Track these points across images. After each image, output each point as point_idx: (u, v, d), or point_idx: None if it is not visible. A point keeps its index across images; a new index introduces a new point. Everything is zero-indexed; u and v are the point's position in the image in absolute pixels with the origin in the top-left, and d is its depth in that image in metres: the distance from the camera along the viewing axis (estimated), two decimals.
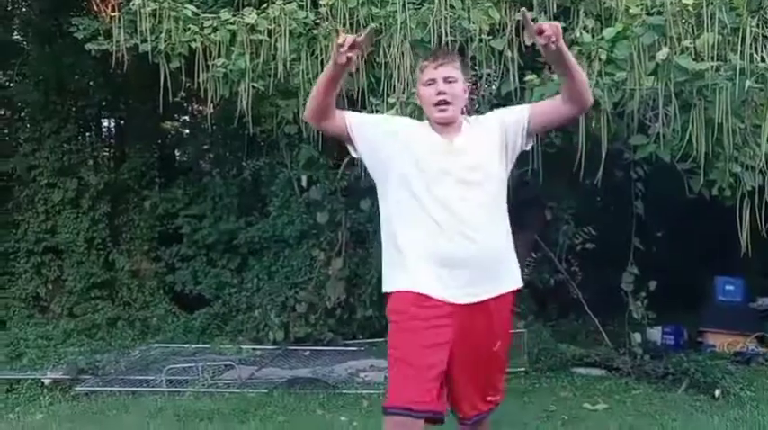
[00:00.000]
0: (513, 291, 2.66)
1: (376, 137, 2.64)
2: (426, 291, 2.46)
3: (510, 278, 2.65)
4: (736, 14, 3.99)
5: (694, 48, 4.04)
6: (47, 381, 6.28)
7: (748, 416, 4.37)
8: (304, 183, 7.08)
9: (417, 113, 4.70)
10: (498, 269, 2.58)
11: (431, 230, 2.48)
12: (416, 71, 2.81)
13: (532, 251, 6.56)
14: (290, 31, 4.91)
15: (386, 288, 2.59)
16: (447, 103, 2.59)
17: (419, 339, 2.42)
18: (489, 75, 4.92)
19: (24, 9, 9.20)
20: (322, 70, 4.96)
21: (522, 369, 5.62)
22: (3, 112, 9.74)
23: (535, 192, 6.24)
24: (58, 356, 7.00)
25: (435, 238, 2.47)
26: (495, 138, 2.64)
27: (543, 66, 4.52)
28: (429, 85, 2.63)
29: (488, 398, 2.70)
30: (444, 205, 2.49)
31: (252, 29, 4.97)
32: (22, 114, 9.40)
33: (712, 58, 3.97)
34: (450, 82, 2.61)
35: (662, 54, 3.98)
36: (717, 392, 4.91)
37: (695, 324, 6.59)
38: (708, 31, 3.98)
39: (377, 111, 4.95)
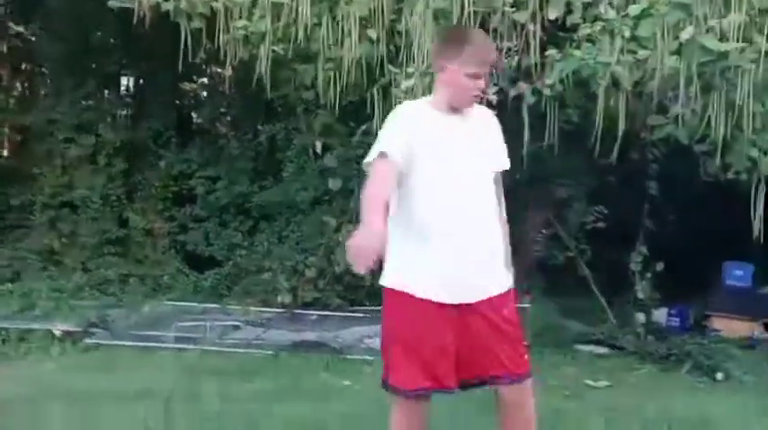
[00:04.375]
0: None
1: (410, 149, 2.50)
2: None
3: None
4: None
5: (720, 28, 4.00)
6: (58, 333, 6.35)
7: (749, 400, 4.39)
8: (319, 150, 7.07)
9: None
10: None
11: None
12: (450, 46, 2.59)
13: (543, 228, 6.57)
14: None
15: None
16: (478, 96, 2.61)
17: None
18: (510, 49, 4.89)
19: None
20: (342, 36, 5.02)
21: (526, 343, 5.64)
22: (23, 66, 9.77)
23: (549, 169, 6.24)
24: (69, 309, 7.07)
25: None
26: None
27: (566, 41, 4.49)
28: (473, 78, 2.52)
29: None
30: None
31: None
32: (43, 69, 9.42)
33: (738, 39, 3.93)
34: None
35: (686, 33, 3.94)
36: (719, 375, 4.94)
37: (702, 308, 6.59)
38: (735, 11, 3.93)
39: (395, 80, 4.95)
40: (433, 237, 2.47)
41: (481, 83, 2.54)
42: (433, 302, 2.48)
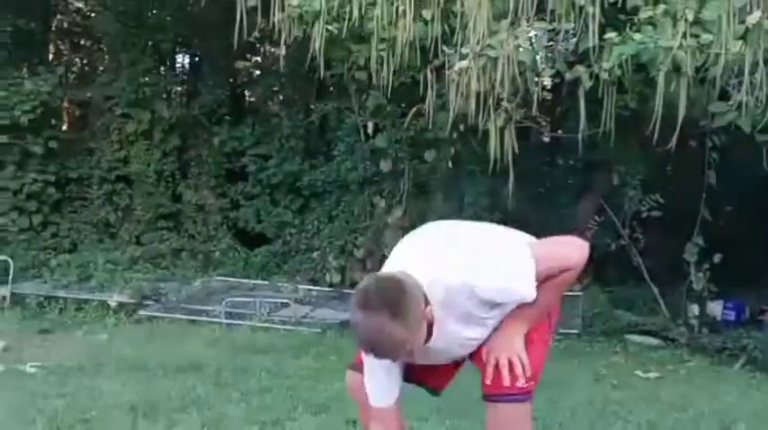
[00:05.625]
0: None
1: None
2: None
3: None
4: None
5: None
6: (113, 304, 6.55)
7: None
8: (370, 131, 7.07)
9: (491, 66, 4.63)
10: None
11: None
12: None
13: (596, 214, 6.46)
14: None
15: None
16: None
17: None
18: (567, 31, 4.78)
19: None
20: (397, 16, 4.98)
21: (575, 331, 5.60)
22: (83, 42, 9.98)
23: (604, 154, 6.12)
24: (124, 281, 7.25)
25: None
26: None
27: (625, 24, 4.38)
28: None
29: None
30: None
31: None
32: (101, 45, 9.61)
33: None
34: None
35: (753, 18, 3.81)
36: None
37: (758, 302, 6.42)
38: None
39: (449, 62, 4.90)
40: None
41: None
42: None
